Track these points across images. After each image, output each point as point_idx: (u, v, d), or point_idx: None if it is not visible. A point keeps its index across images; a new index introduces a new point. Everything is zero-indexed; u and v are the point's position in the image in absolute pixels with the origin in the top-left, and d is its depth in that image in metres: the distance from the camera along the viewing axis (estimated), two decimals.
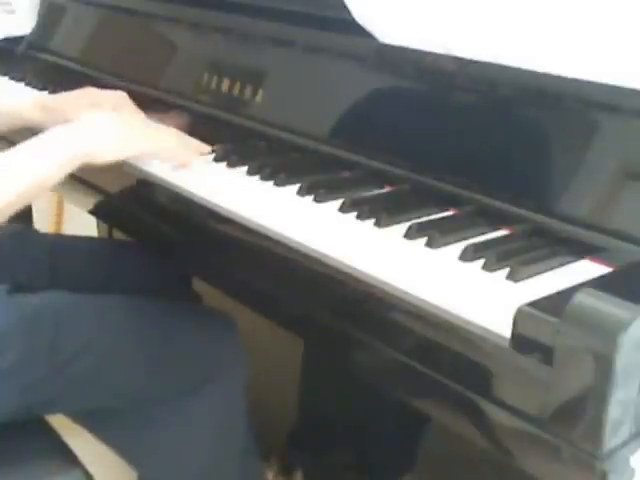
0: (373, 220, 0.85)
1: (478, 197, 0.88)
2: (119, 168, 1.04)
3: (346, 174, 1.01)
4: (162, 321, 1.08)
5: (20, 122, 1.16)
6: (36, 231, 1.26)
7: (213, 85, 1.21)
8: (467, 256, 0.76)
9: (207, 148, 1.06)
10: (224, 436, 1.11)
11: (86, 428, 1.11)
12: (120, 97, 1.18)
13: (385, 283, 0.72)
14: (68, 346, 0.97)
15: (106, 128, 0.99)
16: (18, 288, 1.02)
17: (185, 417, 1.07)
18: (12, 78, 1.54)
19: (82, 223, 1.91)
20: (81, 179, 1.13)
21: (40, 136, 0.94)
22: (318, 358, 1.33)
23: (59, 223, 2.43)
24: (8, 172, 0.91)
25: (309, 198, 0.92)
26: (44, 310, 0.99)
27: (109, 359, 1.01)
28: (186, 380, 1.07)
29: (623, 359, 0.57)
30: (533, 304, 0.63)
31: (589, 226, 0.78)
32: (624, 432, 0.60)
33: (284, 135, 1.10)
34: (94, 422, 1.10)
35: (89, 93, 1.18)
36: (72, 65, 1.53)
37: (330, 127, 1.05)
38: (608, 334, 0.57)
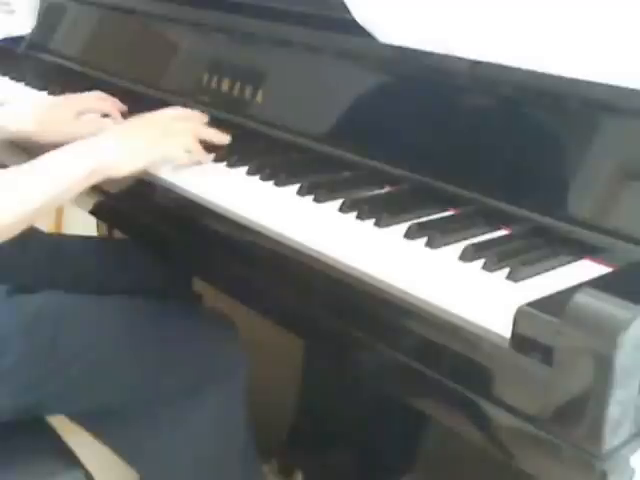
0: (373, 220, 0.85)
1: (478, 197, 0.87)
2: None
3: (346, 174, 1.00)
4: (162, 322, 1.08)
5: (7, 134, 1.17)
6: (37, 231, 1.25)
7: (213, 85, 1.21)
8: (467, 256, 0.76)
9: (225, 137, 1.06)
10: (224, 437, 1.11)
11: (86, 429, 1.11)
12: (99, 97, 1.20)
13: (385, 283, 0.72)
14: (68, 346, 0.97)
15: (123, 141, 0.98)
16: (18, 288, 1.02)
17: (185, 418, 1.07)
18: (12, 78, 1.54)
19: (82, 223, 1.91)
20: None
21: (61, 149, 0.95)
22: (318, 358, 1.33)
23: (59, 223, 2.42)
24: (35, 181, 0.91)
25: (309, 198, 0.92)
26: (44, 311, 0.99)
27: (109, 360, 1.01)
28: (186, 381, 1.07)
29: (623, 359, 0.57)
30: (533, 304, 0.63)
31: (589, 226, 0.78)
32: (624, 432, 0.60)
33: (284, 135, 1.10)
34: (94, 423, 1.10)
35: (70, 101, 1.20)
36: (72, 65, 1.53)
37: (330, 127, 1.05)
38: (608, 334, 0.57)
